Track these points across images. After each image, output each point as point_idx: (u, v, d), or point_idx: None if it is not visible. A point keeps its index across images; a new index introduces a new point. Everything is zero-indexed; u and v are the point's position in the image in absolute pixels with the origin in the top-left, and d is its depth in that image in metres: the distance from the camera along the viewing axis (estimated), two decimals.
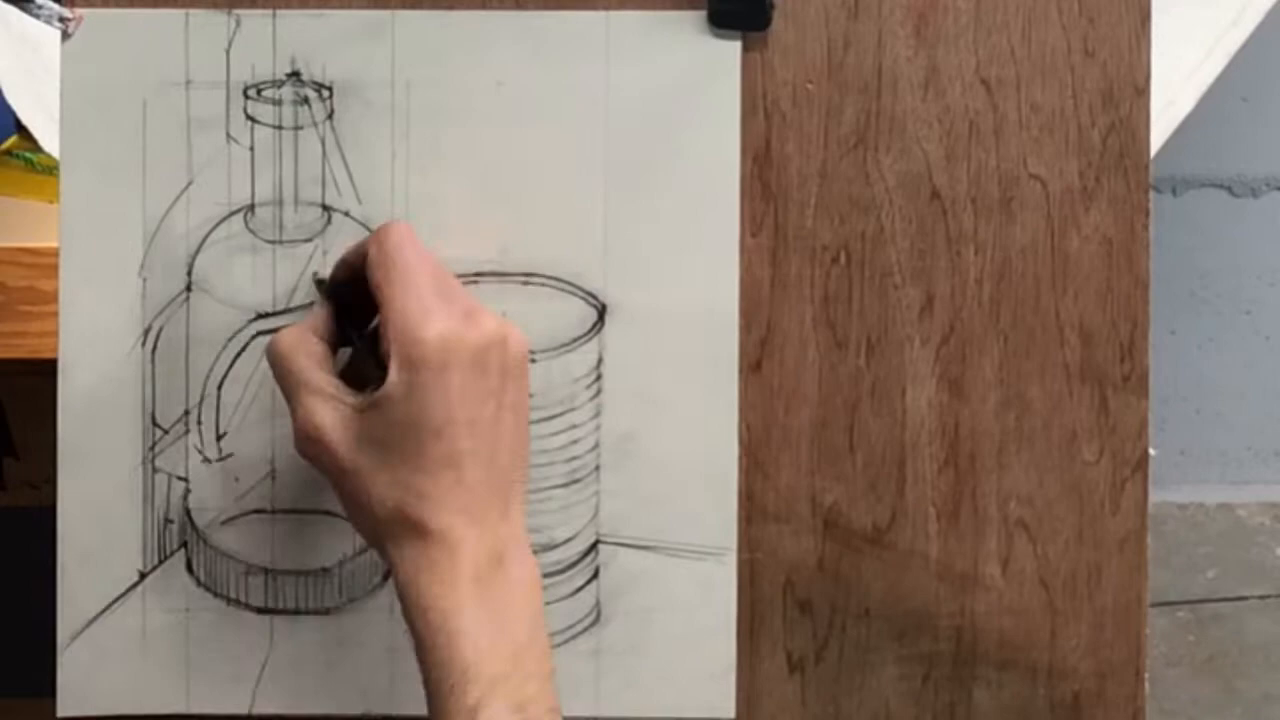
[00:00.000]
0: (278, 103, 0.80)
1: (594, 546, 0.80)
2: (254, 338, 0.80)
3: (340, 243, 0.80)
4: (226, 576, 0.80)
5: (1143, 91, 0.81)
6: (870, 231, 0.81)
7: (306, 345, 0.72)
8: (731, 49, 0.80)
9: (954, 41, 0.81)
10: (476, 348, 0.69)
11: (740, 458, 0.81)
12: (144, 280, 0.80)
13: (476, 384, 0.69)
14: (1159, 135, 1.06)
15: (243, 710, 0.80)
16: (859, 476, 0.81)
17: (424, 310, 0.69)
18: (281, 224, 0.80)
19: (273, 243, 0.80)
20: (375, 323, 0.71)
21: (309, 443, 0.70)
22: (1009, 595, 0.82)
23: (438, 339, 0.68)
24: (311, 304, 0.79)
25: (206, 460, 0.80)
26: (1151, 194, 0.81)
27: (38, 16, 0.79)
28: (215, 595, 0.80)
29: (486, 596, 0.68)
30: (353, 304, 0.74)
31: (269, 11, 0.80)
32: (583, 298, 0.80)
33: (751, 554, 0.81)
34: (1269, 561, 1.99)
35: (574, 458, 0.80)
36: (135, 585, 0.80)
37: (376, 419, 0.68)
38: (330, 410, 0.70)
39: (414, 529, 0.68)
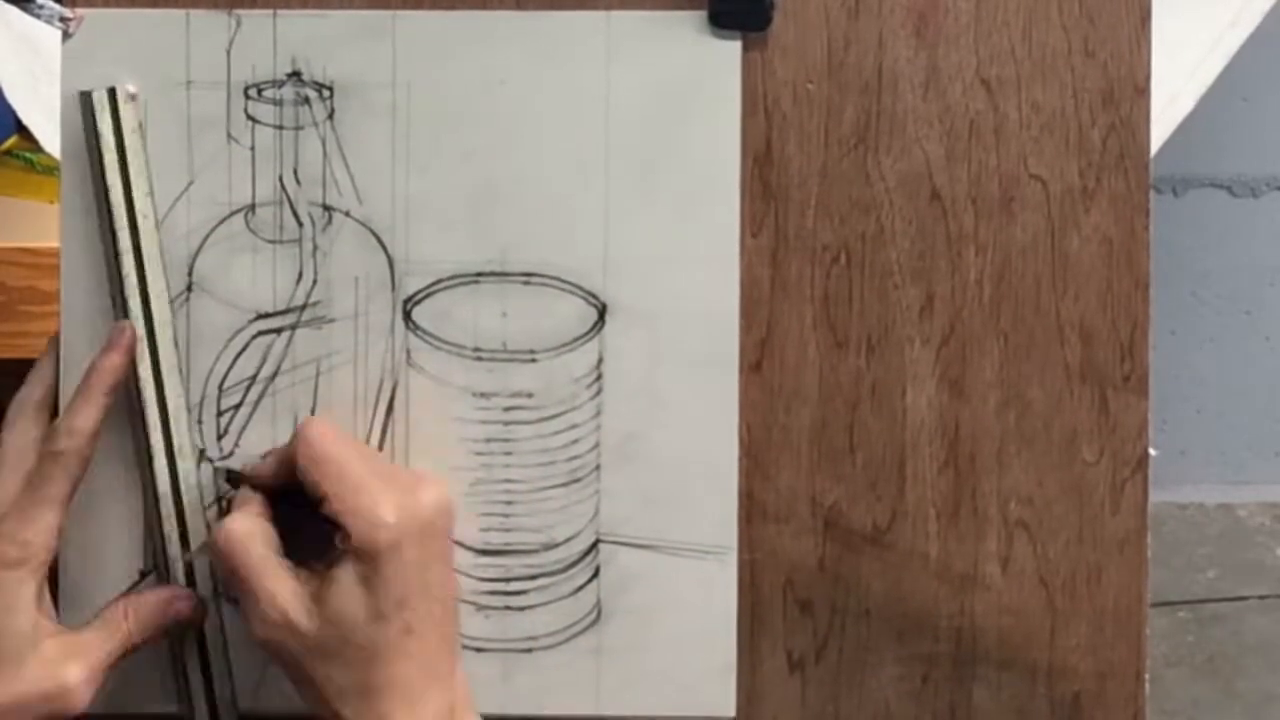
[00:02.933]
0: (278, 103, 0.80)
1: (594, 546, 0.80)
2: (254, 338, 0.80)
3: (341, 243, 0.80)
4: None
5: (1143, 91, 0.81)
6: (870, 232, 0.81)
7: (256, 531, 0.74)
8: (732, 49, 0.80)
9: (954, 41, 0.81)
10: (425, 519, 0.72)
11: (740, 458, 0.81)
12: None
13: (428, 552, 0.72)
14: (1159, 135, 1.06)
15: (244, 709, 0.80)
16: (859, 476, 0.81)
17: (371, 500, 0.71)
18: (282, 224, 0.80)
19: (273, 243, 0.80)
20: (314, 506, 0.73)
21: (274, 627, 0.72)
22: (1009, 595, 0.82)
23: (389, 524, 0.71)
24: (310, 304, 0.80)
25: (207, 460, 0.80)
26: (1152, 194, 0.81)
27: (38, 16, 0.79)
28: (215, 594, 0.80)
29: None
30: (279, 491, 0.75)
31: (269, 11, 0.80)
32: (583, 297, 0.80)
33: (752, 554, 0.81)
34: (1269, 561, 1.99)
35: (574, 457, 0.80)
36: (136, 584, 0.80)
37: (338, 599, 0.71)
38: (292, 593, 0.72)
39: (374, 694, 0.71)
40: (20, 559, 0.73)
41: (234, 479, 0.78)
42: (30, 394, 0.78)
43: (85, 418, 0.76)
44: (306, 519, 0.74)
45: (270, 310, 0.80)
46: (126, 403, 0.79)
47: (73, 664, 0.74)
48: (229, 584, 0.74)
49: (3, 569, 0.73)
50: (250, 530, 0.73)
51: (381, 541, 0.71)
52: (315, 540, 0.74)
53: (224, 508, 0.79)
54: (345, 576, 0.71)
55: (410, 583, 0.71)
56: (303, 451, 0.73)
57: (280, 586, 0.72)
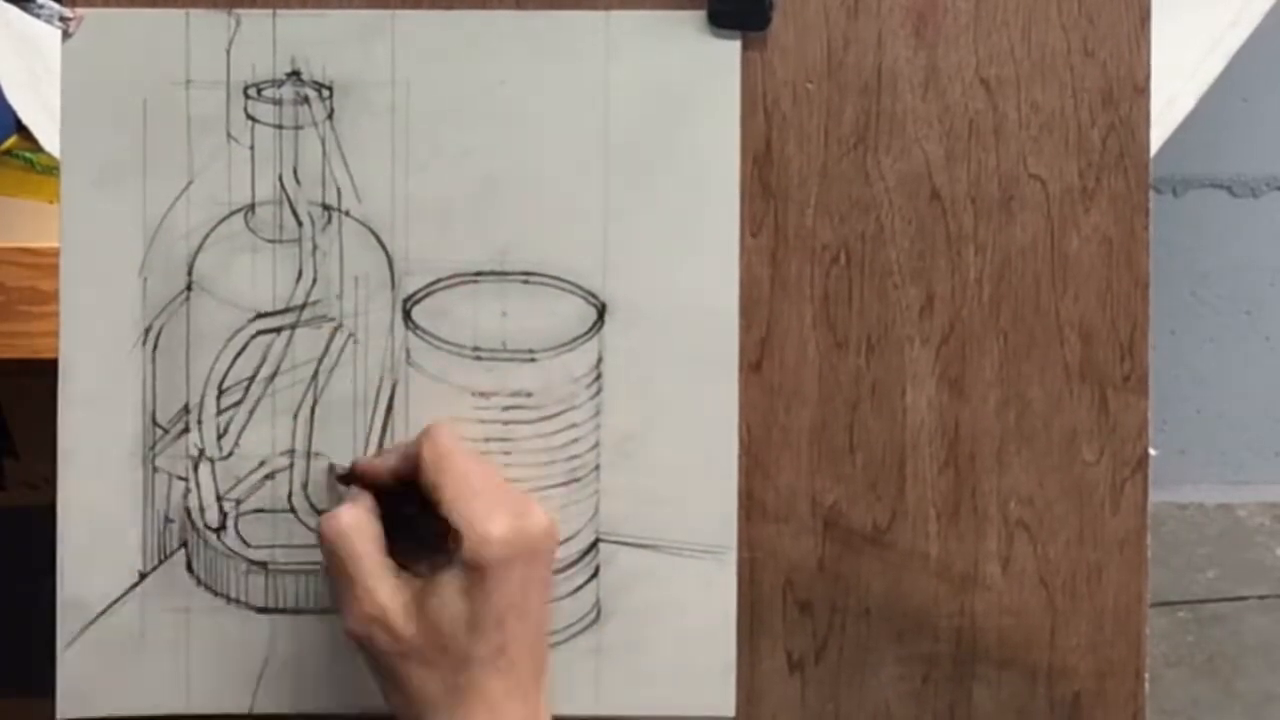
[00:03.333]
0: (278, 102, 0.80)
1: (594, 545, 0.80)
2: (254, 337, 0.80)
3: (340, 242, 0.80)
4: (227, 576, 0.80)
5: (1142, 91, 0.81)
6: (870, 231, 0.81)
7: (365, 527, 0.74)
8: (731, 49, 0.80)
9: (954, 41, 0.81)
10: (533, 542, 0.73)
11: (740, 457, 0.81)
12: (144, 280, 0.80)
13: (532, 575, 0.73)
14: (1159, 135, 1.06)
15: (243, 710, 0.80)
16: (859, 476, 0.81)
17: (487, 511, 0.72)
18: (281, 223, 0.80)
19: (273, 242, 0.80)
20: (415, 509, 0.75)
21: (370, 623, 0.73)
22: (1009, 595, 0.82)
23: (502, 539, 0.72)
24: (309, 304, 0.80)
25: (207, 460, 0.80)
26: (1151, 194, 0.81)
27: (38, 16, 0.79)
28: (215, 595, 0.80)
29: None
30: (387, 491, 0.76)
31: (269, 11, 0.80)
32: (583, 297, 0.80)
33: (751, 553, 0.81)
34: (1269, 561, 1.99)
35: (574, 456, 0.80)
36: (135, 585, 0.80)
37: (438, 605, 0.72)
38: (392, 592, 0.73)
39: (461, 705, 0.72)
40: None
41: (346, 477, 0.78)
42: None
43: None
44: (411, 522, 0.75)
45: (270, 310, 0.80)
46: (131, 403, 0.80)
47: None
48: (330, 575, 0.74)
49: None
50: (359, 524, 0.74)
51: (492, 556, 0.71)
52: (419, 544, 0.74)
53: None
54: (449, 584, 0.72)
55: (511, 602, 0.72)
56: (429, 450, 0.74)
57: (381, 584, 0.73)
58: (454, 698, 0.72)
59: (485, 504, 0.73)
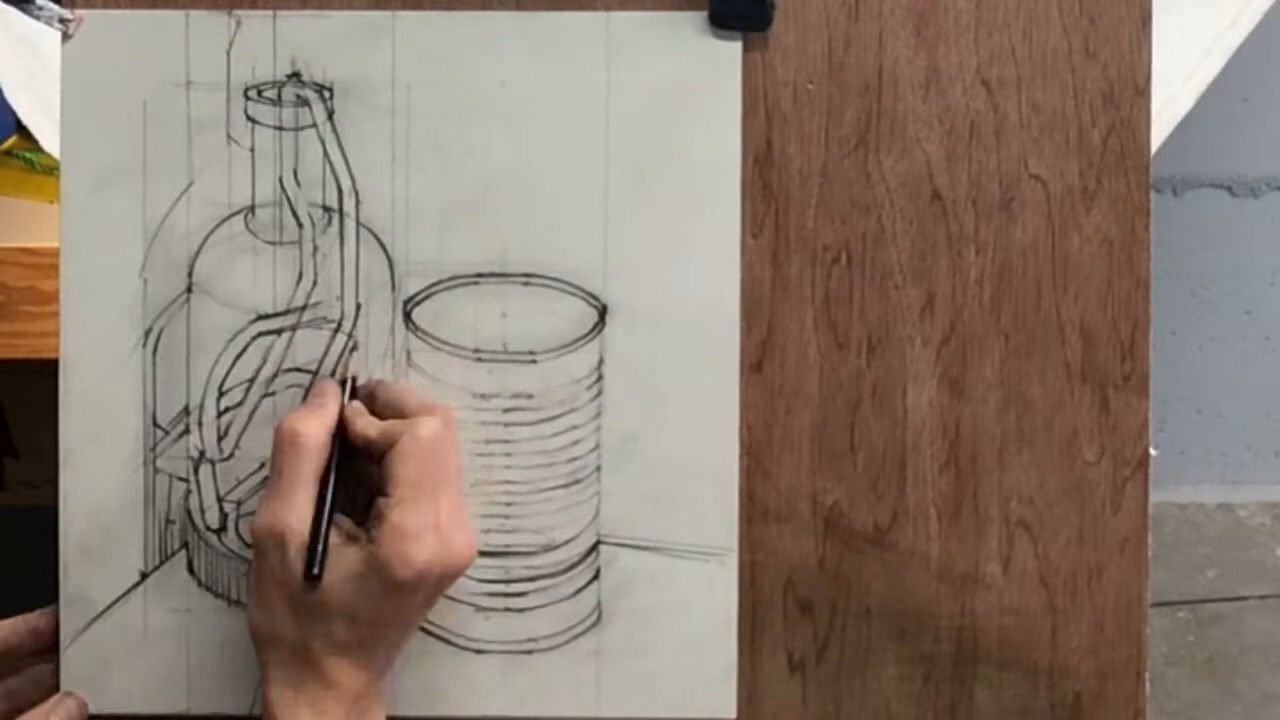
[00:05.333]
0: (278, 103, 0.80)
1: (595, 547, 0.80)
2: (254, 339, 0.80)
3: (341, 244, 0.80)
4: (227, 577, 0.80)
5: (1143, 92, 0.81)
6: (871, 232, 0.81)
7: (324, 449, 0.75)
8: (732, 49, 0.80)
9: (955, 42, 0.81)
10: (442, 577, 0.74)
11: (741, 458, 0.81)
12: (145, 281, 0.80)
13: (426, 599, 0.75)
14: (1159, 135, 1.06)
15: (244, 710, 0.80)
16: (860, 476, 0.81)
17: (420, 530, 0.73)
18: (281, 225, 0.80)
19: (273, 244, 0.80)
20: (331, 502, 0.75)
21: (273, 534, 0.73)
22: (1010, 595, 0.82)
23: (420, 570, 0.73)
24: (310, 305, 0.80)
25: (207, 461, 0.80)
26: (1152, 194, 0.81)
27: (38, 18, 0.79)
28: (216, 595, 0.80)
29: None
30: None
31: (269, 12, 0.80)
32: (583, 298, 0.80)
33: (752, 554, 0.81)
34: (1269, 561, 1.99)
35: (575, 458, 0.80)
36: (136, 585, 0.80)
37: (335, 570, 0.73)
38: (305, 522, 0.73)
39: (308, 662, 0.73)
40: None
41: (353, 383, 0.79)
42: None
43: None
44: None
45: (270, 311, 0.80)
46: (127, 406, 0.80)
47: None
48: (273, 469, 0.75)
49: None
50: (320, 443, 0.74)
51: (390, 577, 0.72)
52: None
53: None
54: (352, 560, 0.73)
55: (398, 617, 0.74)
56: (410, 442, 0.74)
57: (306, 512, 0.73)
58: (300, 647, 0.73)
59: (421, 523, 0.73)
